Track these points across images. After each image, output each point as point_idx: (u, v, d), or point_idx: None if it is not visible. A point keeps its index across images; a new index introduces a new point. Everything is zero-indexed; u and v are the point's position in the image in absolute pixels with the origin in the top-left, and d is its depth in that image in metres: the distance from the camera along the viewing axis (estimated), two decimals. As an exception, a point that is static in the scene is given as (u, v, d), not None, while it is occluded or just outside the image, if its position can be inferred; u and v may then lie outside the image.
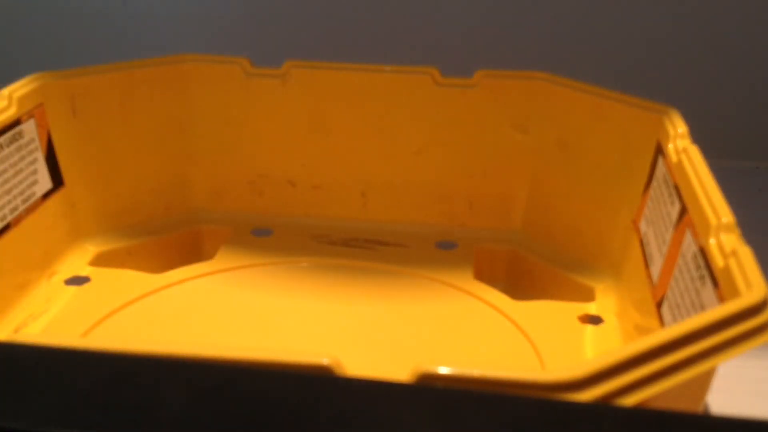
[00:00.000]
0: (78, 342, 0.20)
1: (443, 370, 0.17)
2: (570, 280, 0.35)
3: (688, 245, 0.25)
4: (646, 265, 0.29)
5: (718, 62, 0.47)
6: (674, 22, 0.47)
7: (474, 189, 0.38)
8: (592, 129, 0.35)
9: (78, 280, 0.34)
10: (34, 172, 0.33)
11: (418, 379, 0.17)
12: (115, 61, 0.37)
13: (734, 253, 0.22)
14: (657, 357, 0.18)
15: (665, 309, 0.26)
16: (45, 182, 0.34)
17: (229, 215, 0.39)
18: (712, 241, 0.23)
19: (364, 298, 0.33)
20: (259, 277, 0.35)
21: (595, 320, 0.32)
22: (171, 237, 0.38)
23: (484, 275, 0.36)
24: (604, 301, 0.33)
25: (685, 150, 0.28)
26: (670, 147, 0.29)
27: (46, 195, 0.34)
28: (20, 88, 0.33)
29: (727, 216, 0.23)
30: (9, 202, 0.31)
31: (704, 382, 0.21)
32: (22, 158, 0.32)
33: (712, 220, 0.24)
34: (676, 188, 0.28)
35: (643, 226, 0.31)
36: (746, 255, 0.21)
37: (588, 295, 0.33)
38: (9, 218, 0.31)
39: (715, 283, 0.22)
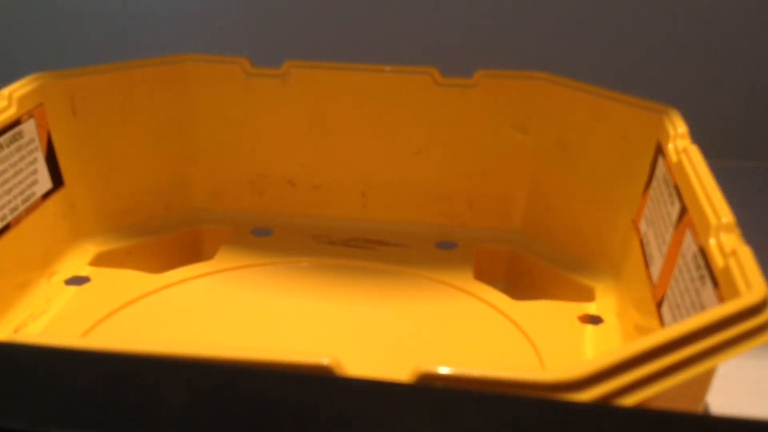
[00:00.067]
0: (78, 342, 0.20)
1: (443, 370, 0.17)
2: (570, 280, 0.35)
3: (688, 245, 0.25)
4: (646, 265, 0.29)
5: (718, 62, 0.47)
6: (674, 22, 0.47)
7: (474, 189, 0.38)
8: (592, 129, 0.35)
9: (78, 280, 0.34)
10: (34, 172, 0.33)
11: (418, 379, 0.17)
12: (115, 61, 0.37)
13: (734, 253, 0.22)
14: (657, 357, 0.18)
15: (665, 309, 0.26)
16: (45, 182, 0.34)
17: (229, 215, 0.39)
18: (712, 241, 0.23)
19: (364, 298, 0.33)
20: (259, 277, 0.35)
21: (595, 320, 0.32)
22: (171, 237, 0.38)
23: (484, 275, 0.36)
24: (604, 301, 0.33)
25: (685, 150, 0.28)
26: (670, 147, 0.29)
27: (46, 195, 0.34)
28: (20, 88, 0.33)
29: (727, 216, 0.23)
30: (9, 202, 0.31)
31: (704, 382, 0.21)
32: (22, 158, 0.32)
33: (712, 220, 0.24)
34: (676, 188, 0.28)
35: (643, 226, 0.31)
36: (746, 255, 0.21)
37: (588, 295, 0.33)
38: (9, 218, 0.31)
39: (715, 283, 0.22)
